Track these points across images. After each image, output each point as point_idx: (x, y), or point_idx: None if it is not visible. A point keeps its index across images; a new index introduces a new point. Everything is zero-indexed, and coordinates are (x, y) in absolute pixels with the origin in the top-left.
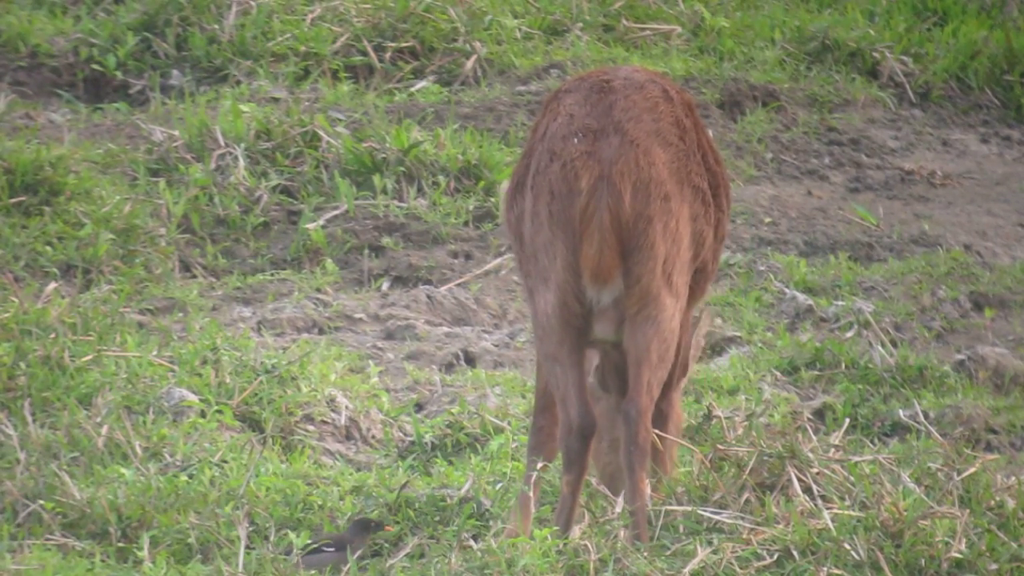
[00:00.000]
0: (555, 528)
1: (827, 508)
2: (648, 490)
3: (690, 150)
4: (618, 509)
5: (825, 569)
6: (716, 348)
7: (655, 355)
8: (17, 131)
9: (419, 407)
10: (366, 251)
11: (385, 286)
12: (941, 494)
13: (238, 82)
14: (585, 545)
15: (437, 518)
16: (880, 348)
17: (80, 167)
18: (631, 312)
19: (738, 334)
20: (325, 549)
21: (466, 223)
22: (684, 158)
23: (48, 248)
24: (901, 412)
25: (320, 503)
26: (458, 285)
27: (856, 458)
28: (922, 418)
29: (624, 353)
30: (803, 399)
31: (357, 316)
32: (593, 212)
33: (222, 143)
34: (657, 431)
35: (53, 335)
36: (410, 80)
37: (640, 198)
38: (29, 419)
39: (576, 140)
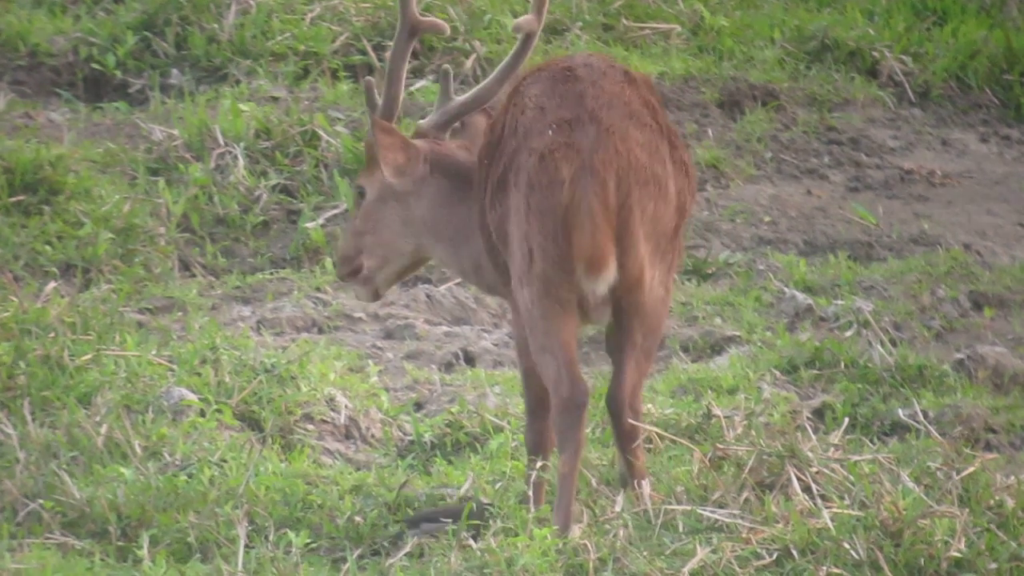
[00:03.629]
0: (554, 528)
1: (827, 507)
2: (644, 463)
3: (663, 127)
4: (618, 508)
5: (825, 568)
6: (716, 348)
7: (639, 335)
8: (17, 131)
9: (419, 406)
10: None
11: None
12: (941, 494)
13: (238, 81)
14: (585, 544)
15: None
16: (880, 348)
17: (80, 167)
18: (618, 295)
19: (738, 334)
20: (443, 519)
21: None
22: (660, 136)
23: (48, 248)
24: (901, 412)
25: (320, 502)
26: (458, 284)
27: (856, 458)
28: (921, 418)
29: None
30: (803, 399)
31: (357, 315)
32: (580, 202)
33: (222, 142)
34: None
35: (53, 335)
36: (410, 80)
37: (623, 185)
38: (29, 419)
39: (551, 132)
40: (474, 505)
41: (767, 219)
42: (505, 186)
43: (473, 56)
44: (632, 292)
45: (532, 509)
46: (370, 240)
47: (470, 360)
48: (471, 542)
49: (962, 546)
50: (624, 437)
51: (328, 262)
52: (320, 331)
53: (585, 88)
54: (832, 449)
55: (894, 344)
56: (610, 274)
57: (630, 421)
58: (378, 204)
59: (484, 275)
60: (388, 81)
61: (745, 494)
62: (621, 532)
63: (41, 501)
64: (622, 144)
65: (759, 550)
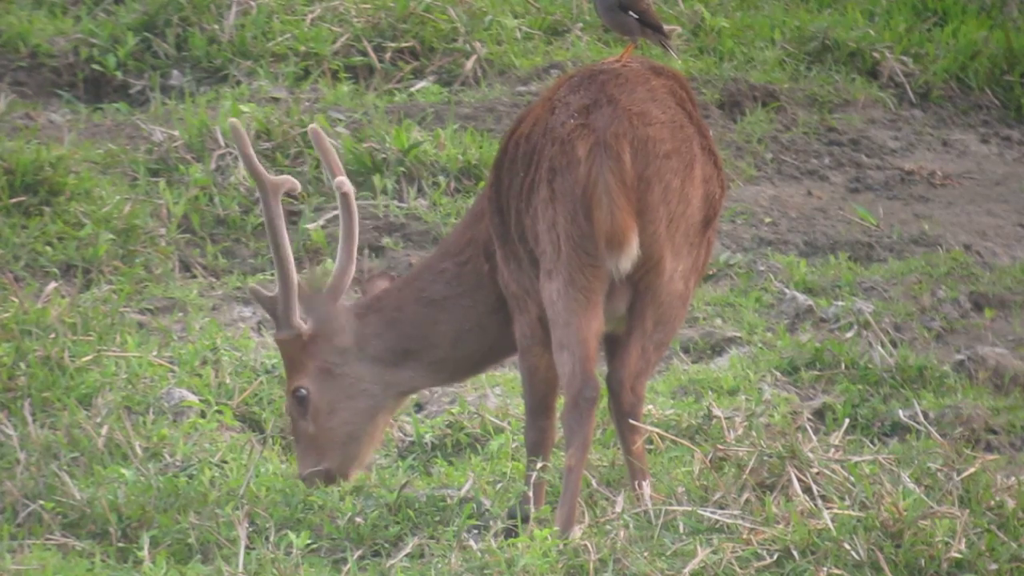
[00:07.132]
0: (555, 528)
1: (827, 508)
2: (644, 455)
3: (692, 115)
4: (619, 509)
5: (825, 569)
6: (716, 348)
7: (650, 322)
8: (17, 131)
9: (419, 407)
10: (366, 251)
11: None
12: (941, 494)
13: (238, 82)
14: (585, 545)
15: (437, 518)
16: (880, 348)
17: (80, 167)
18: (636, 278)
19: (738, 334)
20: None
21: None
22: (687, 121)
23: (48, 248)
24: (901, 412)
25: (320, 503)
26: None
27: (856, 458)
28: (922, 418)
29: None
30: (803, 399)
31: None
32: (596, 177)
33: (222, 143)
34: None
35: (53, 335)
36: (410, 80)
37: (640, 158)
38: (29, 419)
39: (572, 120)
40: (475, 506)
41: (767, 220)
42: (534, 185)
43: (473, 57)
44: (649, 274)
45: (532, 510)
46: (335, 430)
47: None
48: (471, 543)
49: (962, 547)
50: (623, 417)
51: (328, 263)
52: None
53: (608, 78)
54: (832, 450)
55: (894, 345)
56: (632, 249)
57: (630, 402)
58: (328, 390)
59: (470, 341)
60: (277, 256)
61: (746, 495)
62: (622, 533)
63: (42, 502)
64: (638, 119)
65: (760, 551)
